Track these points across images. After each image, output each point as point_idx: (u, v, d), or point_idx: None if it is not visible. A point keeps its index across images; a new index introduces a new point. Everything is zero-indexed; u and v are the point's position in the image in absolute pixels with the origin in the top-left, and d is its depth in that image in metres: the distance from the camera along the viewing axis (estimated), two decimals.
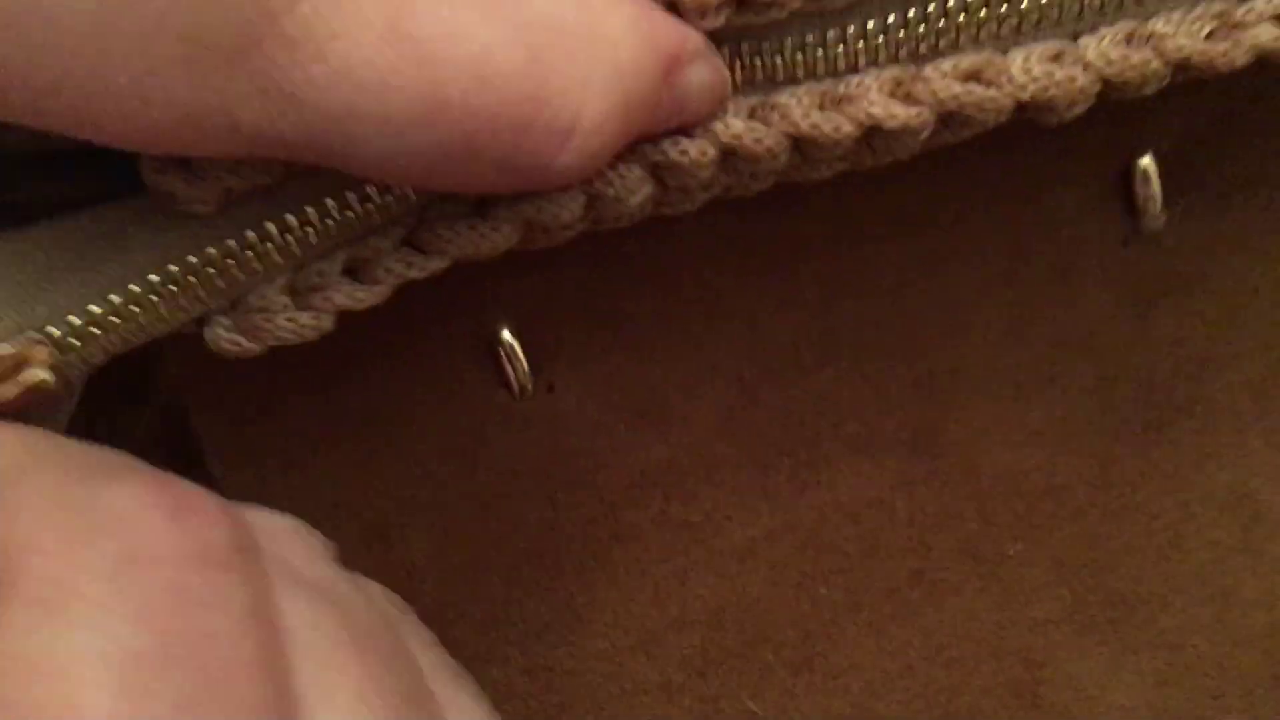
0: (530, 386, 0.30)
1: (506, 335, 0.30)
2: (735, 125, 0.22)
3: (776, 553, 0.31)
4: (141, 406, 0.31)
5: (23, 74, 0.17)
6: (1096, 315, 0.30)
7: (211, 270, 0.22)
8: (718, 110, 0.22)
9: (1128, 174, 0.29)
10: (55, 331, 0.21)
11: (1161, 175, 0.29)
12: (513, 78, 0.18)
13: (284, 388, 0.30)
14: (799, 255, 0.30)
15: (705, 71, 0.21)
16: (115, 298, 0.21)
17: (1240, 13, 0.22)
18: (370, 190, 0.22)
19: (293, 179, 0.21)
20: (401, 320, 0.28)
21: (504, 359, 0.30)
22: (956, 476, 0.31)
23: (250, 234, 0.22)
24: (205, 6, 0.17)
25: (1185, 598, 0.32)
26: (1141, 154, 0.29)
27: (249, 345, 0.23)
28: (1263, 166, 0.30)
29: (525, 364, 0.30)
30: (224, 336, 0.23)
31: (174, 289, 0.22)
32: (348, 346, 0.28)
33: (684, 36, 0.21)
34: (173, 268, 0.21)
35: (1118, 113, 0.25)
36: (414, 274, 0.23)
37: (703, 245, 0.29)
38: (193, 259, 0.22)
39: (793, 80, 0.22)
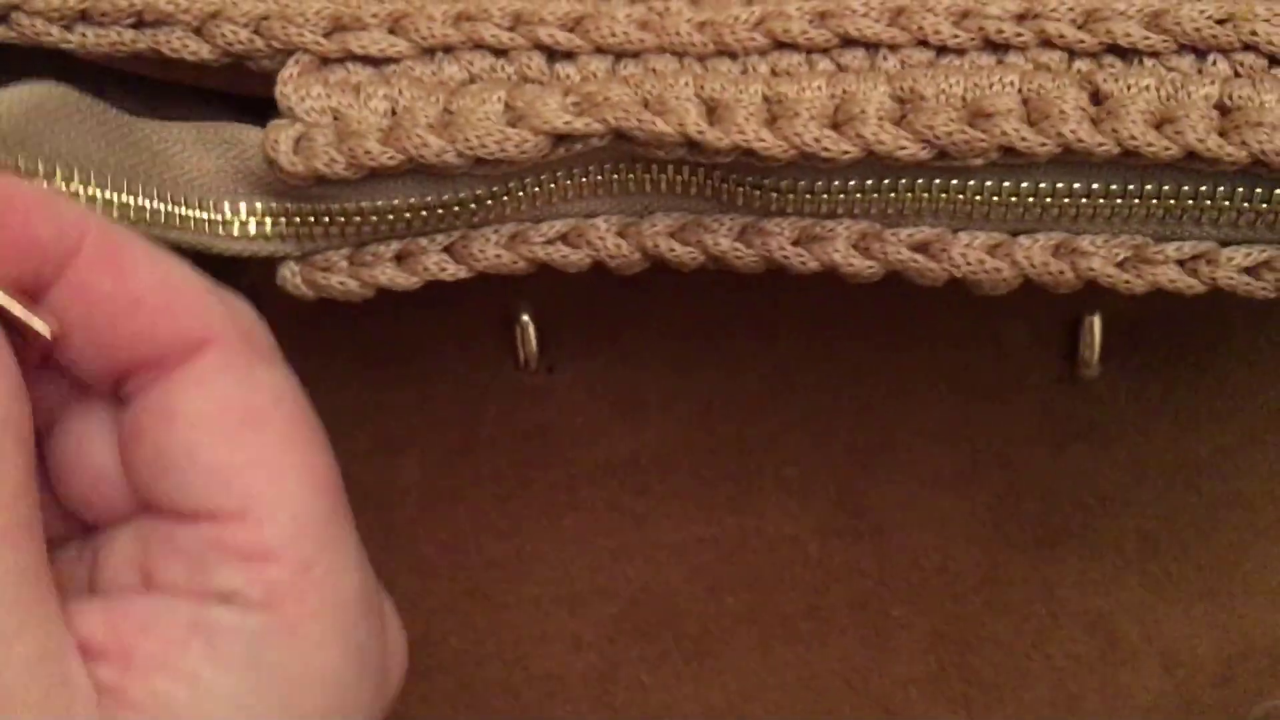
0: (535, 364, 0.35)
1: (525, 317, 0.35)
2: (723, 244, 0.27)
3: (699, 557, 0.36)
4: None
5: None
6: (1019, 437, 0.35)
7: (311, 221, 0.27)
8: None
9: (1077, 324, 0.34)
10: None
11: (1106, 333, 0.34)
12: None
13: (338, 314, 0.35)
14: (782, 322, 0.35)
15: None
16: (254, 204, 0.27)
17: (1152, 251, 0.26)
18: (443, 200, 0.27)
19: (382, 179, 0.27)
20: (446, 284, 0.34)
21: (518, 336, 0.35)
22: (866, 538, 0.36)
23: (349, 205, 0.27)
24: None
25: (1034, 695, 0.37)
26: (1093, 311, 0.34)
27: (305, 291, 0.28)
28: (1196, 349, 0.34)
29: (535, 344, 0.35)
30: (289, 279, 0.28)
31: (283, 222, 0.27)
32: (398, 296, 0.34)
33: None
34: (290, 205, 0.27)
35: None
36: (444, 277, 0.28)
37: (705, 287, 0.34)
38: (306, 207, 0.27)
39: (781, 213, 0.27)
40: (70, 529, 0.25)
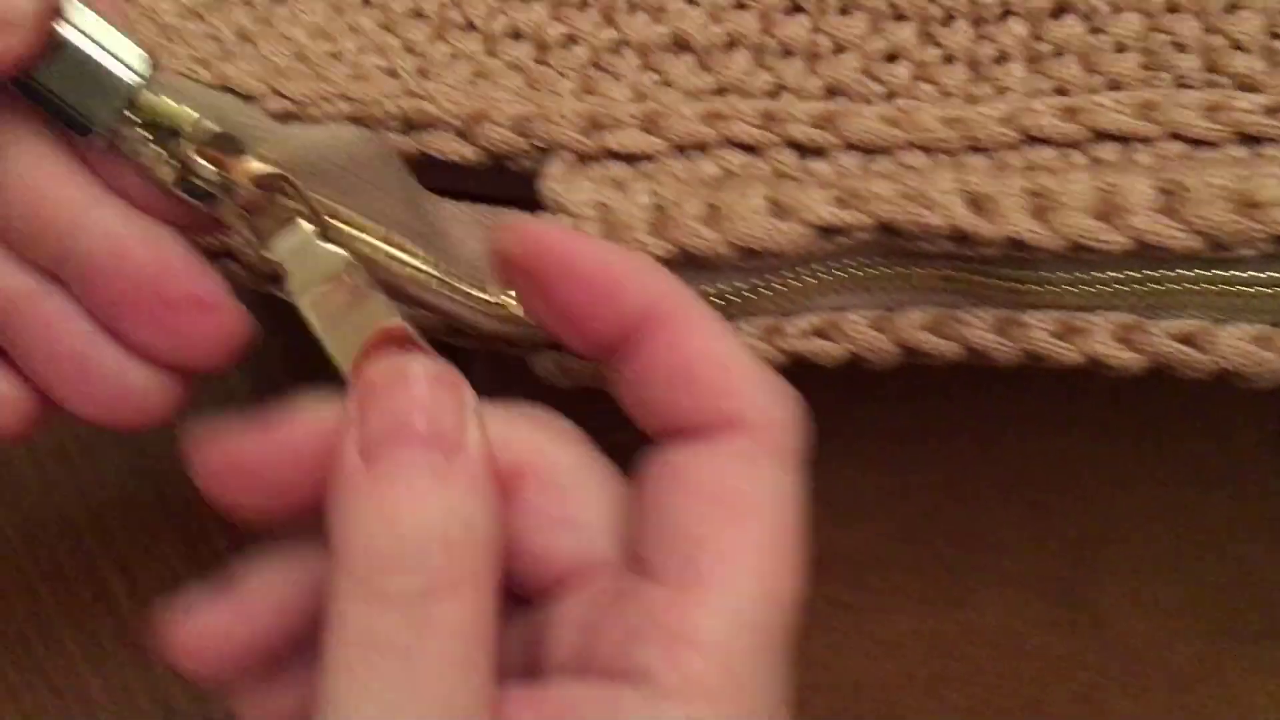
0: None
1: None
2: (985, 337, 0.25)
3: (919, 651, 0.34)
4: None
5: None
6: (1241, 528, 0.32)
7: None
8: None
9: None
10: None
11: None
12: None
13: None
14: (1000, 418, 0.33)
15: None
16: None
17: None
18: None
19: None
20: None
21: None
22: (1088, 631, 0.34)
23: None
24: None
25: None
26: None
27: (562, 380, 0.26)
28: None
29: None
30: (548, 368, 0.26)
31: None
32: None
33: None
34: None
35: None
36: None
37: (924, 387, 0.32)
38: None
39: (1037, 305, 0.25)
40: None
